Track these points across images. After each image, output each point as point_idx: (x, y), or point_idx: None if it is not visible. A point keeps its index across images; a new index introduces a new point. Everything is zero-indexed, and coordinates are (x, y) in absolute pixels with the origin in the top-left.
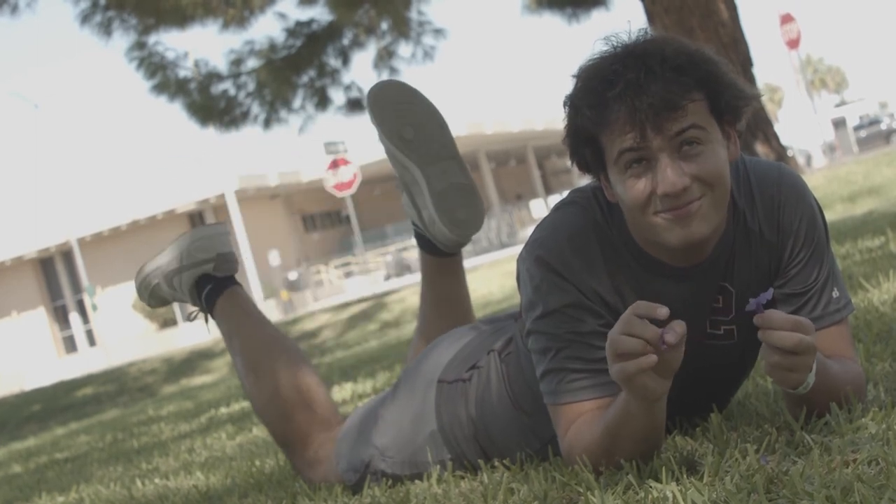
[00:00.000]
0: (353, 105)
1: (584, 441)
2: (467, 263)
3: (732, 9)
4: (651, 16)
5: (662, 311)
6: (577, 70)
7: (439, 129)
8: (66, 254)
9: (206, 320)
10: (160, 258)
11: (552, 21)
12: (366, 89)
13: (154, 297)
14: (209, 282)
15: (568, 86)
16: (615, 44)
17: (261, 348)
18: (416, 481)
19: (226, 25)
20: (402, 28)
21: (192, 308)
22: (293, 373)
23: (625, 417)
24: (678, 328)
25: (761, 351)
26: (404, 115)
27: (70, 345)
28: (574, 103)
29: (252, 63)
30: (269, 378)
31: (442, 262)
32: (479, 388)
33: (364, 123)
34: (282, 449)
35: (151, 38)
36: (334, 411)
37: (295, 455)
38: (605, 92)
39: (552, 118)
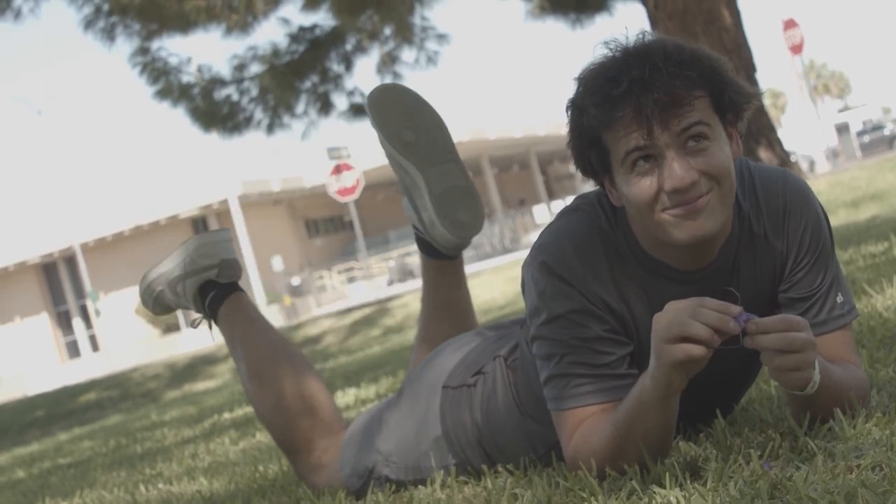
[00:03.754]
0: (356, 110)
1: (592, 444)
2: (470, 269)
3: (735, 14)
4: (654, 21)
5: (734, 309)
6: (580, 73)
7: (439, 132)
8: (70, 259)
9: (210, 327)
10: (164, 265)
11: (555, 26)
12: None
13: (158, 305)
14: (213, 288)
15: (571, 90)
16: (615, 47)
17: (264, 354)
18: (420, 487)
19: (229, 31)
20: (406, 33)
21: (195, 315)
22: (297, 379)
23: (638, 411)
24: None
25: (761, 359)
26: (404, 119)
27: (73, 350)
28: (578, 104)
29: (255, 68)
30: (273, 384)
31: (442, 265)
32: (485, 394)
33: (367, 129)
34: (285, 454)
35: (154, 44)
36: (338, 417)
37: (298, 460)
38: (611, 90)
39: (555, 123)
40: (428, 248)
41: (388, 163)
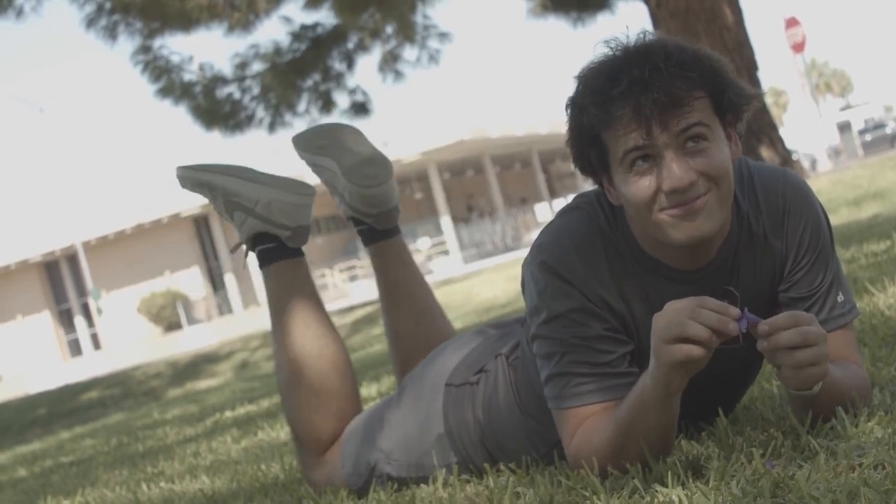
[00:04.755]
0: (358, 109)
1: (594, 443)
2: (471, 267)
3: (737, 13)
4: (656, 20)
5: (734, 312)
6: (580, 72)
7: (355, 135)
8: (71, 257)
9: (246, 256)
10: (234, 182)
11: (557, 25)
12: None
13: (197, 190)
14: (274, 240)
15: (571, 88)
16: (616, 46)
17: (307, 333)
18: (422, 485)
19: (231, 29)
20: (407, 32)
21: (241, 242)
22: (321, 360)
23: (639, 410)
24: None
25: (776, 357)
26: (322, 135)
27: (75, 348)
28: (578, 102)
29: (257, 67)
30: (296, 357)
31: (383, 247)
32: (487, 392)
33: (368, 128)
34: (295, 442)
35: (156, 42)
36: (351, 410)
37: (307, 453)
38: (610, 90)
39: (557, 122)
40: (365, 235)
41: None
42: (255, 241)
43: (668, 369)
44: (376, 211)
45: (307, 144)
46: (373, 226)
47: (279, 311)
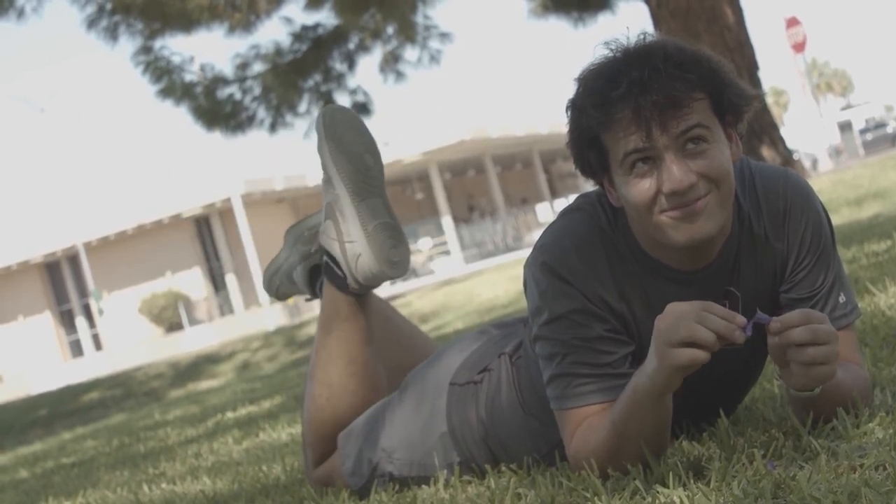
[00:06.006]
0: (359, 109)
1: (590, 444)
2: (473, 267)
3: (738, 12)
4: (657, 20)
5: (740, 320)
6: (580, 73)
7: (375, 162)
8: (73, 258)
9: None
10: (279, 258)
11: (558, 25)
12: (372, 93)
13: (281, 294)
14: (321, 273)
15: (571, 90)
16: (616, 47)
17: (347, 360)
18: (423, 486)
19: (231, 30)
20: (408, 32)
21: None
22: (349, 391)
23: (632, 409)
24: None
25: (786, 354)
26: (357, 143)
27: (76, 349)
28: (578, 104)
29: (258, 67)
30: (336, 396)
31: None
32: (490, 391)
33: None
34: (304, 445)
35: (157, 43)
36: None
37: (309, 454)
38: (610, 91)
39: (558, 122)
40: (335, 281)
41: (387, 163)
42: (311, 285)
43: (671, 371)
44: (371, 287)
45: (346, 150)
46: (349, 285)
47: (325, 330)
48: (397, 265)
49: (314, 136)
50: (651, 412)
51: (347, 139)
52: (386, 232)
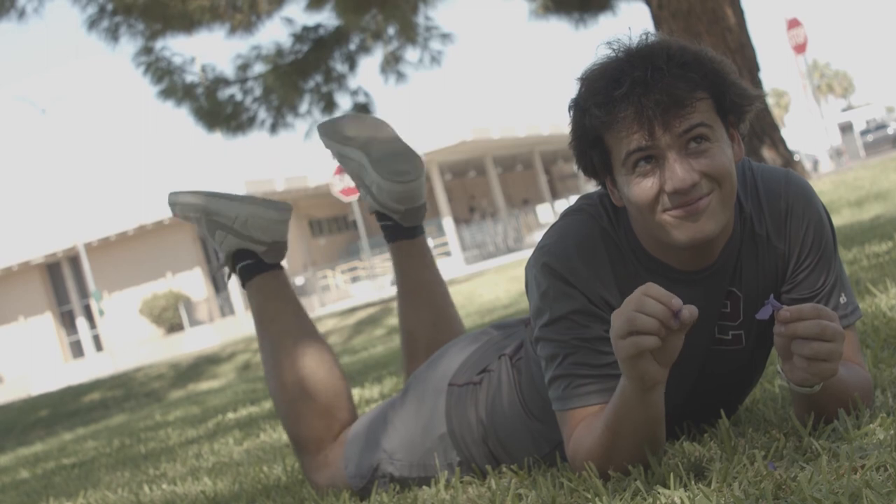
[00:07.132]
0: (360, 110)
1: (586, 445)
2: (473, 268)
3: (739, 14)
4: (658, 21)
5: (676, 302)
6: (582, 73)
7: (383, 126)
8: (73, 259)
9: (228, 278)
10: (214, 201)
11: (559, 26)
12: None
13: (186, 214)
14: (251, 257)
15: (573, 90)
16: (618, 47)
17: (287, 334)
18: (424, 487)
19: (233, 30)
20: (410, 33)
21: (222, 262)
22: (306, 362)
23: (623, 410)
24: (692, 310)
25: (791, 346)
26: (349, 125)
27: (77, 350)
28: (580, 104)
29: (259, 68)
30: (283, 364)
31: (406, 246)
32: (490, 392)
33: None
34: (294, 449)
35: (158, 44)
36: (343, 407)
37: (306, 456)
38: (612, 91)
39: (559, 123)
40: (390, 231)
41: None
42: (236, 259)
43: (629, 363)
44: (404, 207)
45: (334, 134)
46: (398, 222)
47: (265, 323)
48: (403, 173)
49: (314, 137)
50: (640, 410)
51: (333, 129)
52: (388, 156)
